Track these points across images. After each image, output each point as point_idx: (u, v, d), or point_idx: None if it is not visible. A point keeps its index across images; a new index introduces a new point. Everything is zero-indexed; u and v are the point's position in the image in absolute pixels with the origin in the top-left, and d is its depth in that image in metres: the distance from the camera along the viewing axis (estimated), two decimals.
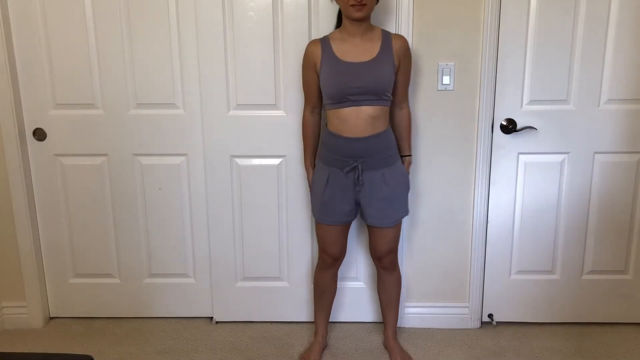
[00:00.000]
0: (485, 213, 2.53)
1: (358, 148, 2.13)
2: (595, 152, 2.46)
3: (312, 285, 2.64)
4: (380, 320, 2.66)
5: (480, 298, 2.62)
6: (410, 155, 2.32)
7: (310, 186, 2.32)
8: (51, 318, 2.76)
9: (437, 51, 2.36)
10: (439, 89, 2.40)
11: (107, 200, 2.60)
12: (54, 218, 2.63)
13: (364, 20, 2.08)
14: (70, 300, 2.73)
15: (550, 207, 2.52)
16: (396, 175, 2.21)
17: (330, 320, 2.65)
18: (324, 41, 2.15)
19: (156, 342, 2.55)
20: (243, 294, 2.68)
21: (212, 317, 2.73)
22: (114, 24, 2.41)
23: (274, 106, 2.46)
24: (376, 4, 2.11)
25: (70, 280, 2.71)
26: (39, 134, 2.53)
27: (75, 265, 2.69)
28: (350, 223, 2.31)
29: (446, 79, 2.38)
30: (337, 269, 2.39)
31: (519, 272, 2.60)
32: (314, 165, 2.31)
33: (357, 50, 2.11)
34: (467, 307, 2.63)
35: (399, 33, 2.31)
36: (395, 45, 2.14)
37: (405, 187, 2.26)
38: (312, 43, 2.18)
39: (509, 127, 2.43)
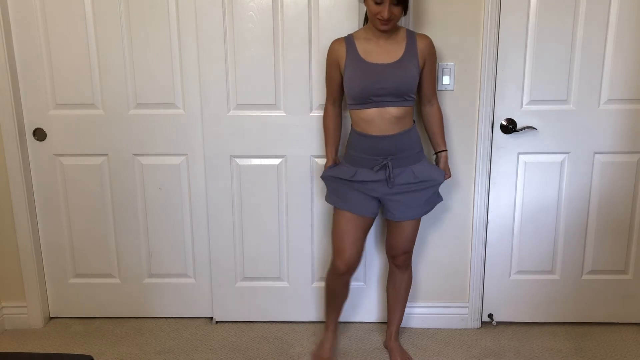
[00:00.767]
0: (485, 213, 2.53)
1: (387, 146, 2.12)
2: (595, 152, 2.46)
3: (313, 286, 2.65)
4: (381, 320, 2.67)
5: (480, 298, 2.62)
6: (446, 150, 2.31)
7: (324, 175, 2.26)
8: (51, 318, 2.76)
9: (437, 51, 2.36)
10: (439, 89, 2.40)
11: (107, 200, 2.60)
12: (54, 218, 2.63)
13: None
14: (70, 300, 2.73)
15: (550, 207, 2.52)
16: (426, 170, 2.19)
17: None
18: (349, 40, 2.13)
19: (156, 342, 2.55)
20: (243, 294, 2.68)
21: (212, 317, 2.73)
22: (114, 24, 2.41)
23: (274, 106, 2.46)
24: (404, 15, 2.08)
25: (70, 280, 2.71)
26: (39, 134, 2.53)
27: (75, 265, 2.69)
28: (371, 224, 2.26)
29: (446, 79, 2.38)
30: (351, 277, 2.30)
31: (519, 272, 2.61)
32: (335, 157, 2.29)
33: (381, 52, 2.10)
34: (467, 307, 2.63)
35: None
36: (420, 45, 2.13)
37: (440, 176, 2.22)
38: (336, 41, 2.16)
39: (509, 127, 2.43)
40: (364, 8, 2.11)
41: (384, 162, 2.13)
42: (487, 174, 2.49)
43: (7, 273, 2.65)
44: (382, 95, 2.08)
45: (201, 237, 2.64)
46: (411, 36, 2.14)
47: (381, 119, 2.10)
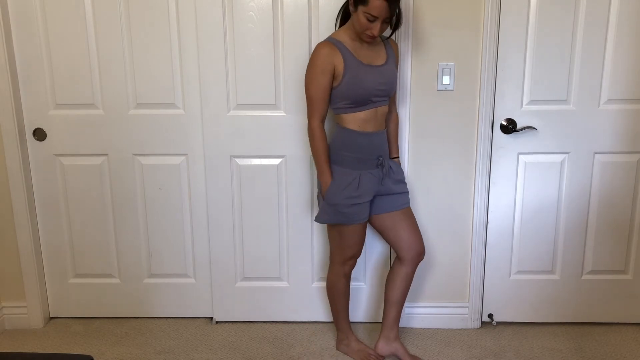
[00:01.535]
0: (485, 213, 2.53)
1: (380, 141, 2.20)
2: (595, 152, 2.46)
3: (313, 286, 2.65)
4: (381, 320, 2.67)
5: (480, 298, 2.62)
6: (398, 157, 2.40)
7: (323, 195, 2.20)
8: (51, 318, 2.76)
9: (437, 51, 2.37)
10: (439, 89, 2.40)
11: (107, 200, 2.60)
12: (54, 218, 2.63)
13: None
14: (70, 300, 2.73)
15: (550, 207, 2.52)
16: (396, 166, 2.30)
17: (330, 320, 2.66)
18: (339, 44, 2.09)
19: (156, 342, 2.55)
20: (243, 294, 2.68)
21: (212, 317, 2.73)
22: (114, 24, 2.41)
23: (274, 106, 2.46)
24: (397, 28, 2.10)
25: (70, 280, 2.71)
26: (39, 134, 2.53)
27: (75, 265, 2.69)
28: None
29: (446, 79, 2.38)
30: (352, 271, 2.37)
31: (519, 272, 2.61)
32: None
33: (370, 54, 2.14)
34: (467, 307, 2.63)
35: (399, 33, 2.32)
36: (394, 49, 2.24)
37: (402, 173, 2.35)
38: (326, 46, 2.08)
39: (509, 127, 2.43)
40: (337, 6, 2.20)
41: (380, 159, 2.19)
42: (487, 174, 2.49)
43: (7, 273, 2.65)
44: (379, 95, 2.13)
45: (201, 237, 2.64)
46: (385, 40, 2.21)
47: (376, 117, 2.17)
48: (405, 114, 2.42)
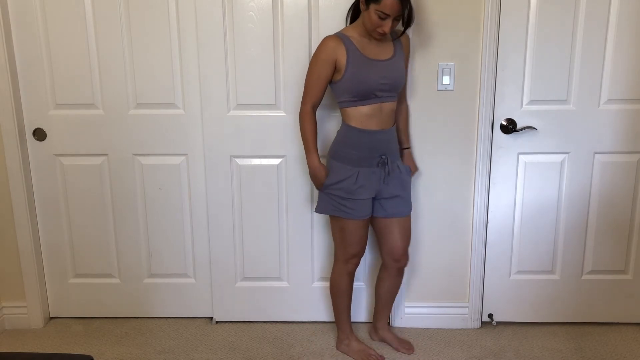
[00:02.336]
0: (485, 213, 2.53)
1: (385, 140, 2.19)
2: (595, 152, 2.46)
3: (313, 286, 2.65)
4: None
5: (480, 298, 2.62)
6: (410, 148, 2.41)
7: (320, 185, 2.22)
8: (51, 318, 2.76)
9: (437, 51, 2.36)
10: (439, 89, 2.40)
11: (107, 200, 2.60)
12: (54, 218, 2.63)
13: None
14: (70, 300, 2.73)
15: (550, 207, 2.52)
16: (404, 167, 2.30)
17: (330, 320, 2.66)
18: (345, 38, 2.12)
19: (156, 342, 2.55)
20: (243, 294, 2.68)
21: (212, 317, 2.73)
22: (114, 24, 2.41)
23: (274, 106, 2.46)
24: (409, 26, 2.13)
25: (70, 280, 2.71)
26: (39, 134, 2.53)
27: (75, 265, 2.69)
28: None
29: (446, 79, 2.38)
30: (355, 270, 2.39)
31: (519, 272, 2.60)
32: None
33: (376, 49, 2.15)
34: (467, 307, 2.63)
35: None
36: (404, 42, 2.24)
37: (410, 173, 2.35)
38: (332, 39, 2.12)
39: (509, 127, 2.43)
40: (346, 7, 2.21)
41: (384, 158, 2.18)
42: (487, 174, 2.49)
43: (7, 273, 2.65)
44: (383, 90, 2.14)
45: (201, 237, 2.64)
46: (395, 34, 2.21)
47: (381, 114, 2.16)
48: None
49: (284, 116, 2.46)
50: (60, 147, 2.55)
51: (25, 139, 2.54)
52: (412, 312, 2.64)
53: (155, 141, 2.53)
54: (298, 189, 2.54)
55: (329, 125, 2.42)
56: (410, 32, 2.32)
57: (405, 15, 2.07)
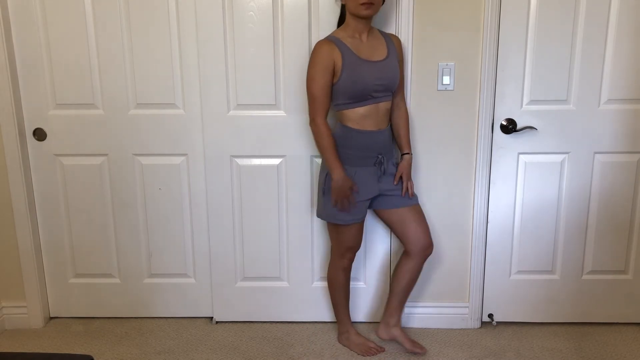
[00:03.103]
0: (485, 213, 2.53)
1: (381, 140, 2.21)
2: (595, 152, 2.46)
3: (313, 286, 2.65)
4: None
5: (480, 298, 2.62)
6: (410, 153, 2.35)
7: (348, 194, 2.19)
8: (51, 318, 2.76)
9: (437, 51, 2.36)
10: (439, 89, 2.40)
11: (107, 200, 2.60)
12: (54, 218, 2.63)
13: (370, 18, 2.13)
14: (70, 300, 2.73)
15: (550, 207, 2.52)
16: (393, 169, 2.31)
17: (330, 320, 2.66)
18: (337, 41, 2.12)
19: (156, 342, 2.55)
20: (243, 294, 2.68)
21: (212, 317, 2.73)
22: (114, 24, 2.41)
23: (274, 106, 2.46)
24: (382, 3, 2.14)
25: (70, 280, 2.71)
26: (39, 134, 2.53)
27: (75, 265, 2.69)
28: None
29: (446, 79, 2.38)
30: (351, 264, 2.41)
31: (519, 272, 2.61)
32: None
33: (370, 49, 2.16)
34: (467, 307, 2.63)
35: (399, 33, 2.33)
36: (396, 44, 2.24)
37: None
38: (326, 43, 2.12)
39: (509, 127, 2.43)
40: (338, 8, 2.25)
41: (380, 157, 2.20)
42: (487, 174, 2.49)
43: (7, 273, 2.65)
44: (379, 90, 2.14)
45: (201, 237, 2.64)
46: (386, 36, 2.23)
47: (377, 114, 2.17)
48: None
49: (284, 116, 2.46)
50: (60, 147, 2.55)
51: (25, 139, 2.54)
52: (412, 312, 2.64)
53: (155, 141, 2.53)
54: (298, 189, 2.54)
55: None
56: (406, 34, 2.32)
57: None
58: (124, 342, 2.56)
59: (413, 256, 2.31)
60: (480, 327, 2.65)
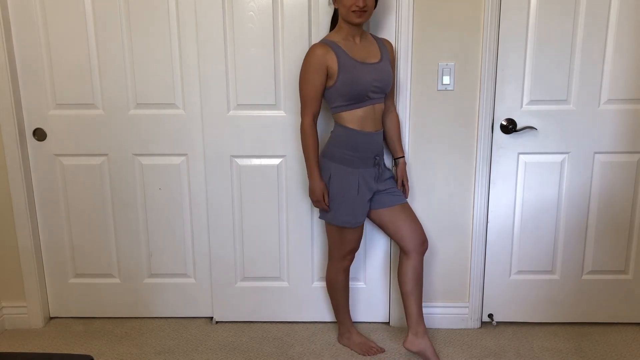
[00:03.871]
0: (485, 213, 2.53)
1: (378, 140, 2.23)
2: (595, 152, 2.46)
3: (312, 286, 2.65)
4: (382, 320, 2.67)
5: (480, 298, 2.62)
6: (404, 157, 2.40)
7: (321, 199, 2.21)
8: (51, 318, 2.76)
9: (437, 51, 2.37)
10: (439, 89, 2.40)
11: (107, 200, 2.60)
12: (54, 218, 2.63)
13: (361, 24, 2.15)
14: (70, 300, 2.73)
15: (550, 207, 2.52)
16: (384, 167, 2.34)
17: (330, 320, 2.66)
18: (333, 44, 2.13)
19: (156, 342, 2.55)
20: (243, 294, 2.68)
21: (212, 317, 2.73)
22: (114, 24, 2.41)
23: (274, 106, 2.46)
24: (374, 8, 2.16)
25: (70, 280, 2.71)
26: (39, 134, 2.53)
27: (75, 265, 2.69)
28: None
29: (446, 79, 2.38)
30: (350, 265, 2.41)
31: (519, 272, 2.61)
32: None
33: (364, 52, 2.17)
34: (467, 307, 2.63)
35: (399, 33, 2.33)
36: (389, 48, 2.27)
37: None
38: (320, 47, 2.12)
39: (509, 127, 2.43)
40: (329, 14, 2.26)
41: (377, 159, 2.23)
42: (487, 174, 2.49)
43: (7, 273, 2.65)
44: (375, 92, 2.16)
45: (201, 237, 2.64)
46: (378, 40, 2.26)
47: (373, 115, 2.20)
48: (405, 114, 2.42)
49: (284, 116, 2.46)
50: (60, 147, 2.55)
51: (25, 139, 2.54)
52: None
53: (155, 141, 2.53)
54: (298, 189, 2.54)
55: (319, 128, 2.41)
56: (406, 34, 2.32)
57: None
58: (124, 342, 2.56)
59: (411, 254, 2.29)
60: (480, 327, 2.65)
